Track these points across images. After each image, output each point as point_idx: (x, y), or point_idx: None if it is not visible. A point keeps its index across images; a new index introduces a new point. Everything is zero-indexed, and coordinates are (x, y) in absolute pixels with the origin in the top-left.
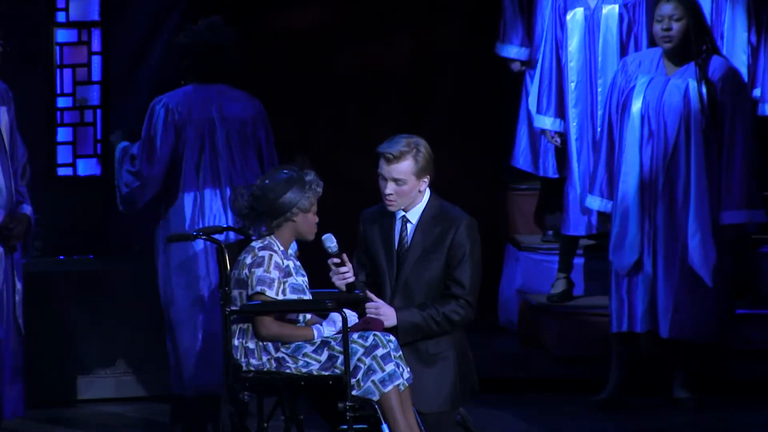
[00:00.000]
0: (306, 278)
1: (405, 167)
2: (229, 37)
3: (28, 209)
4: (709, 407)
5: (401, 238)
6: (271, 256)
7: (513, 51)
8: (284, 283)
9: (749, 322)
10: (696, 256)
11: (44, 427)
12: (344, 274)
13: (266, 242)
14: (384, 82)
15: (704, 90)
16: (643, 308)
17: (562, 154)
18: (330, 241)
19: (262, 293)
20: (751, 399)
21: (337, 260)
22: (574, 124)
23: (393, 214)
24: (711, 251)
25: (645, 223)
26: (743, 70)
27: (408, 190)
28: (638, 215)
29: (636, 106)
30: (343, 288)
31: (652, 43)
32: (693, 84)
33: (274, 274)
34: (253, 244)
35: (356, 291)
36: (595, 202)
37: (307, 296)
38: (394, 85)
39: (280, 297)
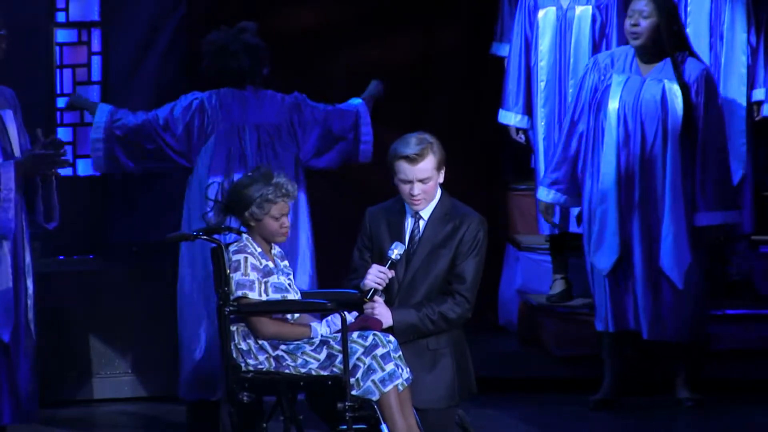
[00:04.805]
0: (291, 276)
1: (429, 164)
2: (257, 38)
3: None
4: (709, 407)
5: (412, 234)
6: (246, 258)
7: (513, 118)
8: (265, 283)
9: (749, 323)
10: (666, 258)
11: (43, 427)
12: (381, 278)
13: (241, 244)
14: (384, 82)
15: (679, 90)
16: (625, 308)
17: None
18: (397, 248)
19: (245, 297)
20: (751, 399)
21: (388, 271)
22: (542, 123)
23: (403, 211)
24: (685, 253)
25: (623, 224)
26: (743, 71)
27: (433, 186)
28: (617, 216)
29: (612, 105)
30: (366, 287)
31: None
32: (669, 85)
33: (253, 275)
34: (230, 247)
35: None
36: (550, 195)
37: (292, 295)
38: (394, 85)
39: (264, 297)
